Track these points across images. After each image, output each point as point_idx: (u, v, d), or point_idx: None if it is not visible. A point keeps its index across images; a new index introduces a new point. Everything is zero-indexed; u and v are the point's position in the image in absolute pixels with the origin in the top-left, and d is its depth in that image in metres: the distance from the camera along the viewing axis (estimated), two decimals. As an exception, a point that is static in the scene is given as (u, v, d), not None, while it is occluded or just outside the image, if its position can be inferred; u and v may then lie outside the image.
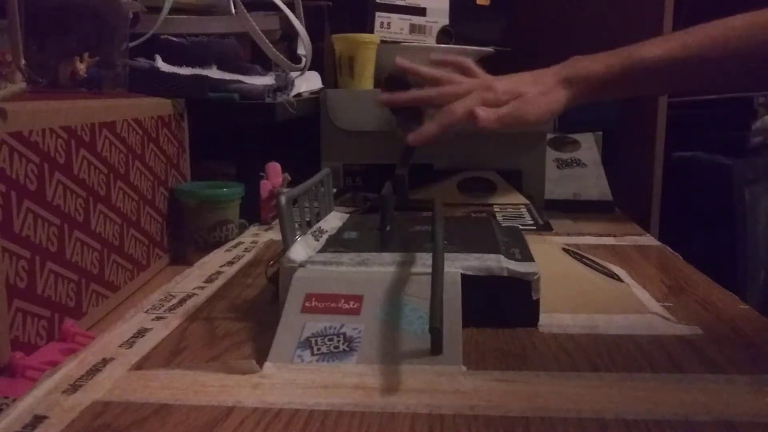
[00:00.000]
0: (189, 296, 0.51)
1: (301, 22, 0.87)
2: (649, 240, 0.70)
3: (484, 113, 0.63)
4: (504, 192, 0.86)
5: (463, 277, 0.43)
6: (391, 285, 0.43)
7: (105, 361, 0.38)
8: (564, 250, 0.58)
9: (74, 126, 0.47)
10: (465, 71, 0.73)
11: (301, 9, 0.89)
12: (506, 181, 0.87)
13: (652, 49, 0.67)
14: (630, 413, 0.32)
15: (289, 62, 0.84)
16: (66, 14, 0.59)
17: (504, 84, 0.68)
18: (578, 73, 0.69)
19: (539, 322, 0.44)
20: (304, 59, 0.89)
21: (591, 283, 0.51)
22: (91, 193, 0.50)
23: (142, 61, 0.73)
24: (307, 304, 0.41)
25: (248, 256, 0.62)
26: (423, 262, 0.44)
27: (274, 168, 0.78)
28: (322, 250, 0.47)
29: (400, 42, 1.15)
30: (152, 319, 0.45)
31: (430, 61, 0.75)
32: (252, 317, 0.46)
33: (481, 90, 0.67)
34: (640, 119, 1.12)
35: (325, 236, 0.51)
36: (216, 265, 0.59)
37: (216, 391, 0.35)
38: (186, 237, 0.66)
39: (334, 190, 0.78)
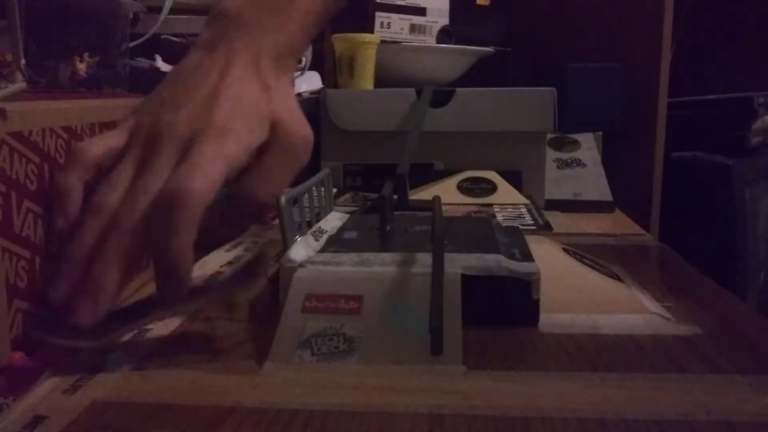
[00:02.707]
0: (189, 296, 0.50)
1: (301, 22, 0.87)
2: (649, 240, 0.70)
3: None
4: (504, 192, 0.86)
5: (463, 277, 0.43)
6: (391, 285, 0.43)
7: (105, 361, 0.38)
8: (564, 250, 0.58)
9: (74, 126, 0.47)
10: None
11: (301, 9, 0.89)
12: (506, 181, 0.87)
13: None
14: (630, 413, 0.32)
15: (289, 62, 0.84)
16: (66, 14, 0.59)
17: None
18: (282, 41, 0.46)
19: (539, 322, 0.44)
20: (304, 59, 0.89)
21: (591, 283, 0.51)
22: (91, 193, 0.50)
23: (142, 61, 0.73)
24: (307, 304, 0.41)
25: (248, 256, 0.62)
26: (423, 262, 0.44)
27: (274, 168, 0.78)
28: (322, 250, 0.47)
29: (400, 42, 1.15)
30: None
31: None
32: (252, 317, 0.46)
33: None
34: (640, 119, 1.12)
35: (325, 236, 0.51)
36: (216, 265, 0.59)
37: (216, 391, 0.35)
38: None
39: (334, 190, 0.78)
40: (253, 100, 0.42)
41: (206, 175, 0.37)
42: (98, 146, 0.41)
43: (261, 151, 0.41)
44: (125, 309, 0.41)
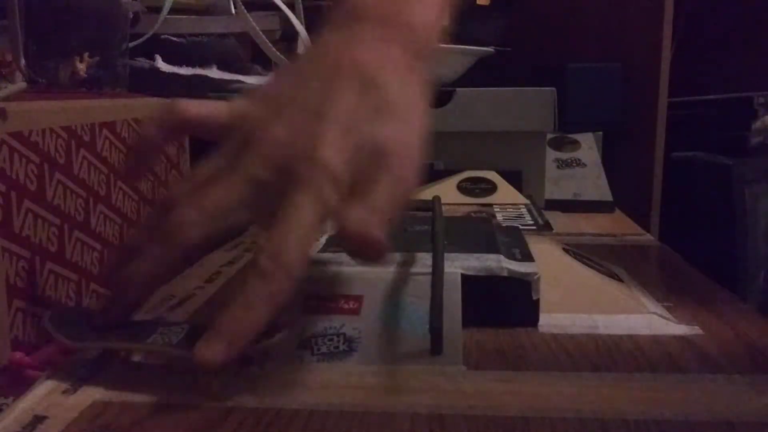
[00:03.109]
0: (189, 296, 0.50)
1: (301, 22, 0.87)
2: (649, 240, 0.70)
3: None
4: (504, 192, 0.86)
5: (463, 277, 0.43)
6: (391, 285, 0.43)
7: (105, 361, 0.38)
8: (564, 250, 0.58)
9: (74, 126, 0.47)
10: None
11: (301, 9, 0.89)
12: (506, 181, 0.87)
13: None
14: (630, 413, 0.32)
15: (289, 62, 0.84)
16: (66, 14, 0.59)
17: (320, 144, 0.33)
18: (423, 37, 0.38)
19: (539, 322, 0.44)
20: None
21: (591, 283, 0.51)
22: (91, 193, 0.50)
23: (142, 61, 0.73)
24: (307, 304, 0.41)
25: (248, 256, 0.62)
26: (423, 262, 0.44)
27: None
28: (322, 250, 0.47)
29: (400, 42, 1.15)
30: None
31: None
32: (252, 317, 0.46)
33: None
34: (640, 119, 1.12)
35: (325, 236, 0.51)
36: (216, 265, 0.59)
37: (216, 391, 0.35)
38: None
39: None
40: (361, 121, 0.33)
41: (303, 242, 0.32)
42: (184, 186, 0.36)
43: (362, 175, 0.33)
44: (149, 322, 0.39)
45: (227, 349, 0.31)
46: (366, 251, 0.32)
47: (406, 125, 0.34)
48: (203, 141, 0.74)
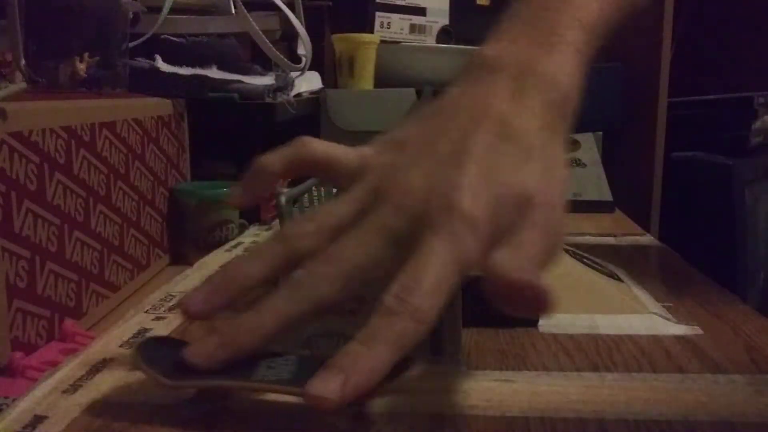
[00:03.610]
0: (189, 296, 0.50)
1: (301, 22, 0.87)
2: (649, 240, 0.70)
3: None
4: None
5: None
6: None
7: (105, 361, 0.38)
8: (564, 250, 0.58)
9: (74, 126, 0.47)
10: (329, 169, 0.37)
11: (301, 9, 0.89)
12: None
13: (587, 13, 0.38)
14: (630, 413, 0.32)
15: (289, 62, 0.84)
16: (66, 14, 0.59)
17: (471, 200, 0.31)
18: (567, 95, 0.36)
19: (539, 322, 0.44)
20: (304, 59, 0.89)
21: (591, 283, 0.51)
22: (91, 193, 0.50)
23: (142, 61, 0.73)
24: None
25: (248, 256, 0.62)
26: (423, 262, 0.44)
27: (274, 168, 0.78)
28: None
29: (400, 42, 1.15)
30: (152, 319, 0.45)
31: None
32: (252, 317, 0.46)
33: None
34: (640, 119, 1.12)
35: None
36: (216, 265, 0.59)
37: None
38: (186, 237, 0.66)
39: (334, 190, 0.78)
40: (508, 166, 0.32)
41: (436, 287, 0.29)
42: (309, 226, 0.33)
43: (505, 226, 0.31)
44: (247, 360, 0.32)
45: (342, 387, 0.27)
46: (523, 298, 0.29)
47: (548, 173, 0.32)
48: (202, 141, 0.73)
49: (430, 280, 0.29)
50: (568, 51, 0.36)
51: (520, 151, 0.33)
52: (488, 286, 0.29)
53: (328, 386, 0.27)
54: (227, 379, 0.31)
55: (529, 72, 0.35)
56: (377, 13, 1.14)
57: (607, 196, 0.87)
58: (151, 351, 0.32)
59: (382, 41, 1.05)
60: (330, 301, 0.31)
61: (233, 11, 0.81)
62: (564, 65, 0.35)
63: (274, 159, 0.36)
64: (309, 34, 0.88)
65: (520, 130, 0.33)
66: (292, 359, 0.33)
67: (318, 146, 0.36)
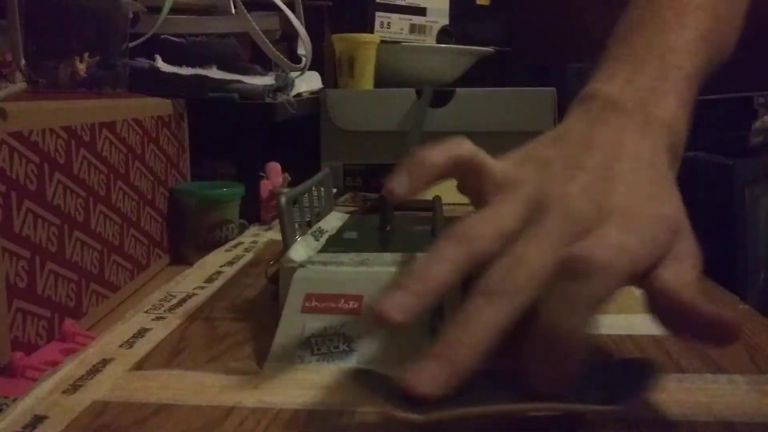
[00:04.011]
0: (189, 296, 0.51)
1: (301, 22, 0.87)
2: (649, 240, 0.70)
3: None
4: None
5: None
6: (392, 285, 0.43)
7: (105, 361, 0.38)
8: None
9: (74, 126, 0.47)
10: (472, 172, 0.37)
11: (301, 9, 0.89)
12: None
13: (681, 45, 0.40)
14: (630, 413, 0.32)
15: (289, 62, 0.84)
16: (66, 14, 0.59)
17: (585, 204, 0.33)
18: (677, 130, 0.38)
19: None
20: (304, 59, 0.89)
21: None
22: (91, 193, 0.50)
23: (142, 61, 0.73)
24: (307, 304, 0.41)
25: (248, 256, 0.62)
26: (423, 262, 0.44)
27: (274, 168, 0.78)
28: (322, 250, 0.47)
29: (400, 42, 1.15)
30: (152, 319, 0.45)
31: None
32: (252, 317, 0.46)
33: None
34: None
35: (325, 236, 0.51)
36: (216, 265, 0.59)
37: (216, 392, 0.35)
38: (186, 237, 0.66)
39: (334, 190, 0.78)
40: (653, 195, 0.34)
41: (621, 252, 0.30)
42: (487, 228, 0.33)
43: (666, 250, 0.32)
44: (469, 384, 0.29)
45: (442, 374, 0.28)
46: (700, 323, 0.29)
47: (682, 206, 0.35)
48: (202, 141, 0.73)
49: (615, 244, 0.30)
50: (677, 98, 0.38)
51: (660, 179, 0.35)
52: (661, 303, 0.31)
53: (427, 373, 0.28)
54: (484, 404, 0.29)
55: (651, 116, 0.37)
56: (377, 13, 1.14)
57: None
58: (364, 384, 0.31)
59: (382, 41, 1.05)
60: (528, 306, 0.30)
61: (233, 11, 0.81)
62: (676, 111, 0.38)
63: (436, 152, 0.36)
64: (309, 34, 0.88)
65: (658, 163, 0.35)
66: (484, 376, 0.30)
67: (473, 147, 0.37)
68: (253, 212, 0.75)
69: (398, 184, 0.35)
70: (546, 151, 0.37)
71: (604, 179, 0.34)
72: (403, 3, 1.16)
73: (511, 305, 0.30)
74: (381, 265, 0.45)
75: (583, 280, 0.29)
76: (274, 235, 0.70)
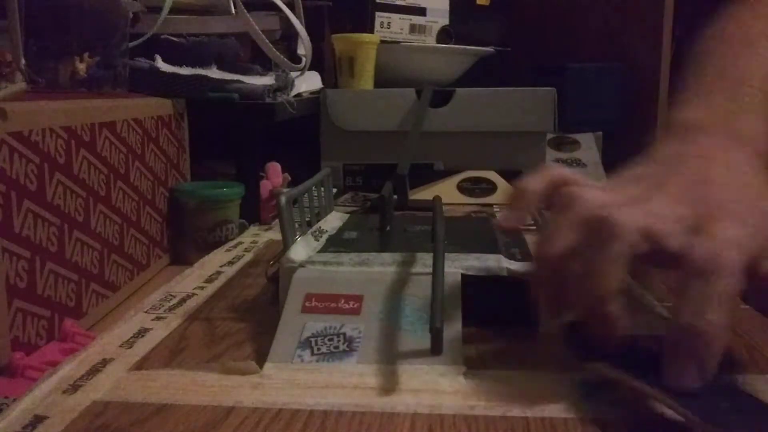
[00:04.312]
0: (189, 296, 0.51)
1: (301, 22, 0.87)
2: (649, 240, 0.70)
3: None
4: (504, 192, 0.86)
5: (463, 277, 0.43)
6: (391, 285, 0.43)
7: (105, 361, 0.38)
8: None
9: (74, 126, 0.47)
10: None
11: (301, 9, 0.89)
12: (506, 181, 0.87)
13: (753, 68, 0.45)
14: (630, 413, 0.32)
15: (289, 62, 0.84)
16: (66, 14, 0.59)
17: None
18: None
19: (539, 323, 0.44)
20: (304, 59, 0.89)
21: (591, 283, 0.51)
22: (91, 193, 0.50)
23: (142, 61, 0.73)
24: (307, 304, 0.41)
25: (248, 256, 0.62)
26: (423, 262, 0.44)
27: (274, 168, 0.78)
28: (322, 250, 0.47)
29: (400, 42, 1.15)
30: (152, 319, 0.45)
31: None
32: (252, 317, 0.46)
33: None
34: (640, 119, 1.12)
35: (325, 236, 0.51)
36: (216, 265, 0.59)
37: (216, 392, 0.35)
38: (186, 237, 0.66)
39: (334, 190, 0.78)
40: (752, 193, 0.36)
41: (740, 247, 0.32)
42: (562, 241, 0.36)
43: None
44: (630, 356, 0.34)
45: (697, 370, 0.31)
46: None
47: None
48: (202, 141, 0.73)
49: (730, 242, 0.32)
50: (755, 115, 0.42)
51: (753, 179, 0.38)
52: (764, 288, 0.33)
53: (685, 376, 0.31)
54: (638, 380, 0.32)
55: (734, 132, 0.41)
56: (377, 13, 1.14)
57: (607, 196, 0.87)
58: (575, 332, 0.35)
59: (382, 41, 1.05)
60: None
61: (233, 11, 0.81)
62: (756, 125, 0.42)
63: (534, 180, 0.40)
64: (309, 34, 0.88)
65: (748, 168, 0.38)
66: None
67: (567, 171, 0.41)
68: (253, 212, 0.75)
69: (505, 221, 0.41)
70: (639, 171, 0.40)
71: (704, 182, 0.36)
72: (403, 3, 1.16)
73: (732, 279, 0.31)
74: (381, 265, 0.45)
75: (714, 278, 0.31)
76: (274, 235, 0.70)
